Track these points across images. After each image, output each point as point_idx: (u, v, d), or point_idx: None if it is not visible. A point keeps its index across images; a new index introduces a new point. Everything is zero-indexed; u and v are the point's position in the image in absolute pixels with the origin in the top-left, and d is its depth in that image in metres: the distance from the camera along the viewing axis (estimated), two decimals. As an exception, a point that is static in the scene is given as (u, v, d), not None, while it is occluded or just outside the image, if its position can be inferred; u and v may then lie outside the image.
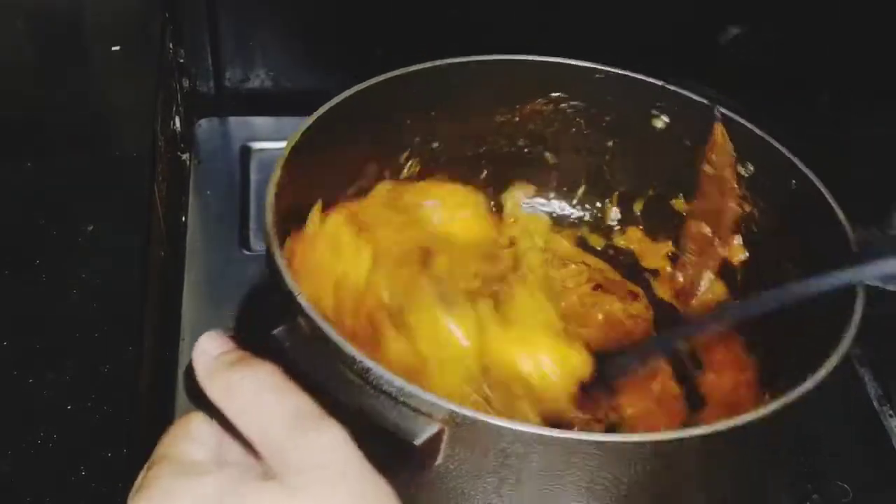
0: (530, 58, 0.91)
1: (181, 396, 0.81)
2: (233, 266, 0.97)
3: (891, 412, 0.89)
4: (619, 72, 0.90)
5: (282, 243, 0.71)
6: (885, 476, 0.86)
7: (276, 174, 0.76)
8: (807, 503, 0.83)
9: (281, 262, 0.69)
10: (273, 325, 0.64)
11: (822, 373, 0.66)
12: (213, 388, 0.53)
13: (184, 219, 1.03)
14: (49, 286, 0.79)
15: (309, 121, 0.80)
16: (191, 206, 1.04)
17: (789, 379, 0.78)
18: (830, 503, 0.83)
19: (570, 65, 0.91)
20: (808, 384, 0.65)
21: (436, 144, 0.94)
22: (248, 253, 0.99)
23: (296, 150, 0.79)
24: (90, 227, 0.83)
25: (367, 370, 0.62)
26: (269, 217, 0.73)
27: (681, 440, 0.62)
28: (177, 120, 1.08)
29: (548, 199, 0.99)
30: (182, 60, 1.13)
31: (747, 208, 0.88)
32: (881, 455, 0.87)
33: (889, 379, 0.91)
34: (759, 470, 0.77)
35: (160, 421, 0.79)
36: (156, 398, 0.80)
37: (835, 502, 0.83)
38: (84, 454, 0.68)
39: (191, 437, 0.55)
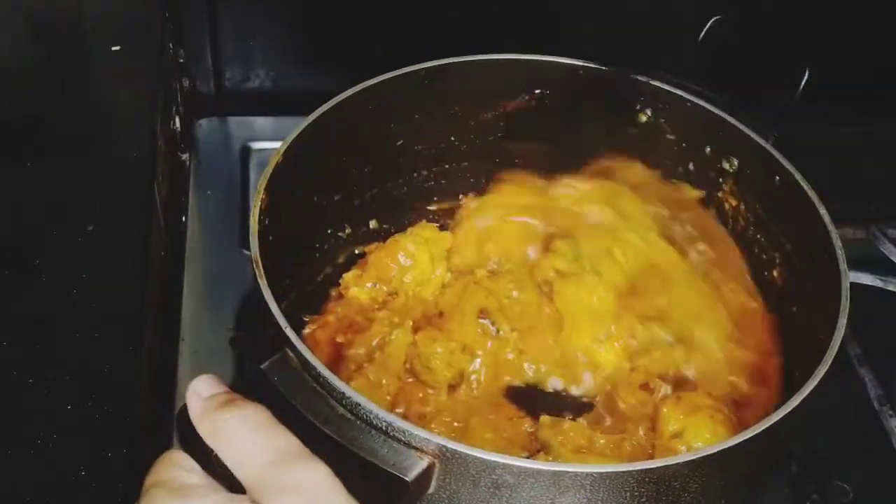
0: (512, 56, 0.91)
1: (181, 397, 0.81)
2: (233, 266, 0.97)
3: (891, 412, 0.89)
4: (602, 68, 0.90)
5: (270, 274, 0.71)
6: (885, 476, 0.86)
7: (259, 200, 0.76)
8: (807, 503, 0.83)
9: (267, 292, 0.69)
10: (263, 359, 0.65)
11: (797, 399, 0.66)
12: (204, 427, 0.56)
13: (184, 219, 1.03)
14: (49, 286, 0.79)
15: (281, 148, 0.80)
16: (191, 206, 1.04)
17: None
18: (830, 503, 0.83)
19: (552, 62, 0.91)
20: (784, 409, 0.66)
21: (419, 147, 0.95)
22: (247, 253, 0.98)
23: (276, 176, 0.79)
24: (90, 227, 0.83)
25: (357, 405, 0.61)
26: (255, 246, 0.73)
27: (667, 467, 0.63)
28: (177, 120, 1.08)
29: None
30: (182, 60, 1.13)
31: (733, 202, 0.89)
32: (881, 455, 0.87)
33: (889, 379, 0.91)
34: (754, 479, 0.77)
35: (160, 421, 0.80)
36: (156, 398, 0.80)
37: (835, 502, 0.83)
38: (84, 454, 0.68)
39: (179, 465, 0.56)
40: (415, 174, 0.97)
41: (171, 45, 1.08)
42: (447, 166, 0.97)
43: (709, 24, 0.87)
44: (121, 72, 0.99)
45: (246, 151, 1.12)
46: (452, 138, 0.96)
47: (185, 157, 1.09)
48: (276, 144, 0.81)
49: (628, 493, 0.63)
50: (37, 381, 0.72)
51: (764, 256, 0.86)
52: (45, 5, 1.05)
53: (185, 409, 0.57)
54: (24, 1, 1.04)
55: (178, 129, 1.09)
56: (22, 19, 1.03)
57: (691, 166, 0.92)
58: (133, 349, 0.75)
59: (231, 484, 0.54)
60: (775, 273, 0.85)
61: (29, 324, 0.76)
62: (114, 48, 1.00)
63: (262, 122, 1.15)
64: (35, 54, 1.01)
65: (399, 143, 0.94)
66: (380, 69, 0.87)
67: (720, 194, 0.90)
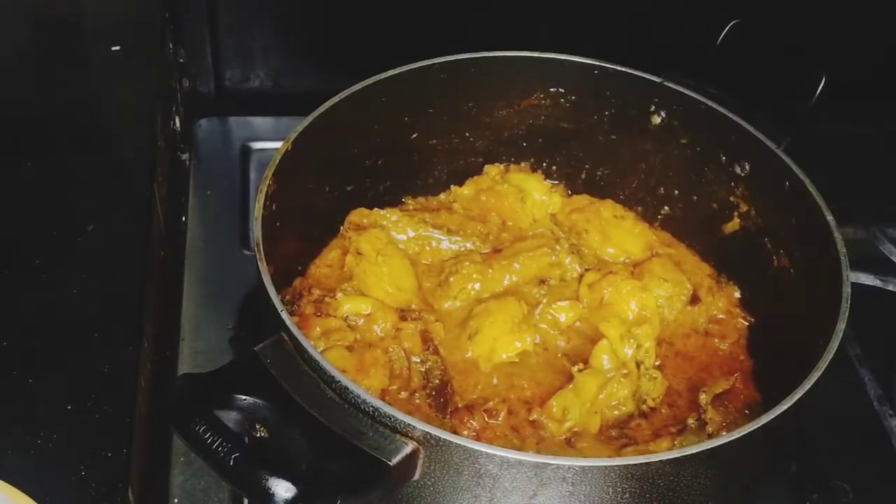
0: (529, 54, 0.91)
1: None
2: (233, 266, 0.97)
3: (891, 412, 0.89)
4: (617, 68, 0.90)
5: (270, 257, 0.72)
6: (885, 476, 0.86)
7: (265, 186, 0.76)
8: (807, 503, 0.83)
9: (266, 276, 0.70)
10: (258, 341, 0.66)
11: (786, 404, 0.66)
12: None
13: (184, 219, 1.03)
14: (49, 286, 0.79)
15: (292, 135, 0.81)
16: (191, 206, 1.04)
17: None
18: (830, 503, 0.83)
19: (568, 61, 0.91)
20: (773, 413, 0.66)
21: (434, 141, 0.95)
22: (248, 253, 0.99)
23: (286, 160, 0.79)
24: (90, 227, 0.83)
25: (346, 389, 0.63)
26: (258, 231, 0.73)
27: (649, 464, 0.63)
28: (177, 120, 1.08)
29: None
30: (182, 60, 1.13)
31: (744, 207, 0.89)
32: (881, 455, 0.87)
33: (889, 379, 0.91)
34: (747, 481, 0.77)
35: (160, 421, 0.80)
36: (156, 398, 0.80)
37: (835, 502, 0.83)
38: (84, 454, 0.68)
39: None
40: (428, 168, 0.97)
41: (171, 45, 1.08)
42: (461, 162, 0.97)
43: (727, 28, 0.87)
44: (121, 72, 0.99)
45: (246, 151, 1.12)
46: (467, 134, 0.96)
47: (185, 157, 1.09)
48: (277, 144, 0.81)
49: (611, 489, 0.63)
50: (37, 381, 0.72)
51: (770, 260, 0.86)
52: (45, 5, 1.05)
53: (176, 388, 0.57)
54: (24, 1, 1.04)
55: (178, 129, 1.09)
56: (22, 19, 1.03)
57: (704, 170, 0.91)
58: (133, 349, 0.76)
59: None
60: (779, 276, 0.85)
61: (29, 324, 0.76)
62: (114, 48, 1.00)
63: (262, 122, 1.15)
64: (35, 54, 1.01)
65: (413, 136, 0.93)
66: (379, 69, 0.87)
67: (732, 199, 0.89)
